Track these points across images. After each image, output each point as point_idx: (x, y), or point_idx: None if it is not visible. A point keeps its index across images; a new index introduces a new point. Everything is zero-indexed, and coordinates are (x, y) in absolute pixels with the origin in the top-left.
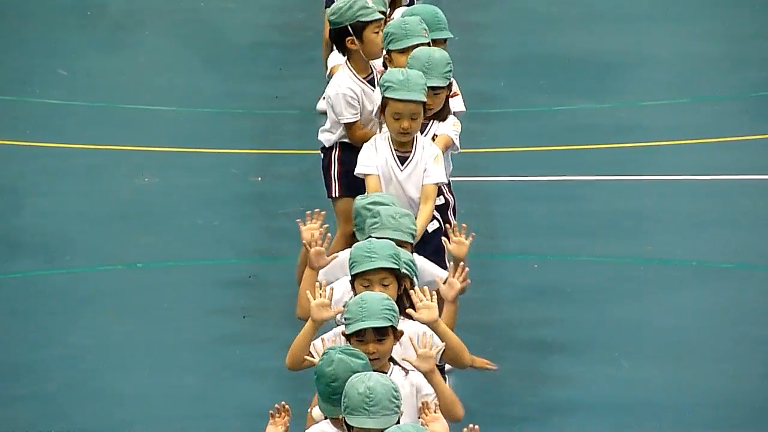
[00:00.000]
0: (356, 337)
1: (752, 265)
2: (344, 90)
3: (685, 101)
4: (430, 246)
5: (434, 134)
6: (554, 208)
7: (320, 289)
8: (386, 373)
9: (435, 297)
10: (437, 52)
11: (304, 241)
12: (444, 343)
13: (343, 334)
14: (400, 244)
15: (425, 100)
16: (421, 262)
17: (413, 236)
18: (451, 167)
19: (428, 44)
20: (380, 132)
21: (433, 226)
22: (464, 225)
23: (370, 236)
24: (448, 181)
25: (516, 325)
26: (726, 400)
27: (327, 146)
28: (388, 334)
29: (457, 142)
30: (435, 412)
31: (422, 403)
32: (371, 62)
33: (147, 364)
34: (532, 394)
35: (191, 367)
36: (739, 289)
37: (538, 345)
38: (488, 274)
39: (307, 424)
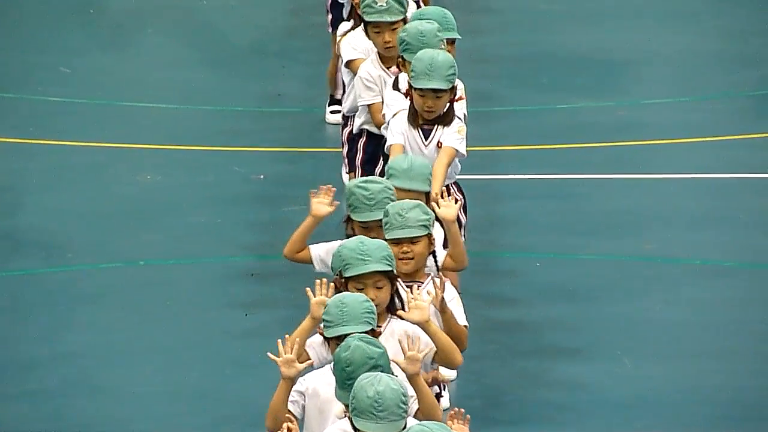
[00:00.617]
0: (337, 341)
1: (754, 263)
2: (362, 72)
3: (687, 99)
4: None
5: (438, 141)
6: (556, 206)
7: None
8: None
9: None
10: (441, 55)
11: (312, 213)
12: (432, 347)
13: (321, 334)
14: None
15: (428, 189)
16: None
17: (426, 227)
18: (459, 168)
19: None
20: None
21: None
22: (452, 191)
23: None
24: (456, 181)
25: (518, 324)
26: (729, 398)
27: (354, 132)
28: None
29: (462, 150)
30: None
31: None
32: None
33: (149, 361)
34: (535, 392)
35: (193, 364)
36: (742, 287)
37: (541, 343)
38: (490, 272)
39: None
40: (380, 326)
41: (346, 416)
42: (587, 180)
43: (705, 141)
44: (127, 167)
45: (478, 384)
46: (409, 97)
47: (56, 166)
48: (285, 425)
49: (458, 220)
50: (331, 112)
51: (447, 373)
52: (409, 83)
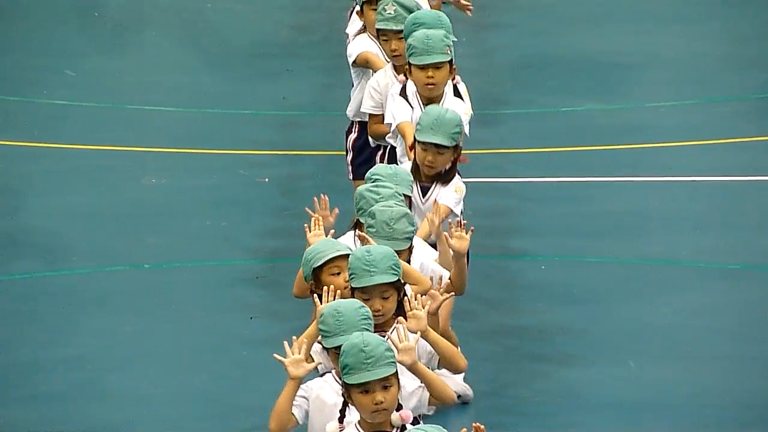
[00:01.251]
0: (337, 351)
1: (759, 265)
2: (372, 80)
3: (692, 102)
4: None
5: (435, 200)
6: (561, 208)
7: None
8: None
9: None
10: (449, 113)
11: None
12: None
13: (320, 342)
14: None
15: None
16: (423, 259)
17: (410, 239)
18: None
19: (451, 62)
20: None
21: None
22: (464, 221)
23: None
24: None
25: (523, 327)
26: (733, 401)
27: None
28: None
29: (456, 211)
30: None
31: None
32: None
33: (154, 364)
34: (539, 394)
35: (198, 368)
36: (746, 290)
37: (545, 346)
38: (495, 274)
39: None
40: (385, 331)
41: (340, 430)
42: (592, 183)
43: (710, 144)
44: (132, 170)
45: (483, 386)
46: (413, 151)
47: (61, 169)
48: None
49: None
50: None
51: (460, 389)
52: (414, 136)
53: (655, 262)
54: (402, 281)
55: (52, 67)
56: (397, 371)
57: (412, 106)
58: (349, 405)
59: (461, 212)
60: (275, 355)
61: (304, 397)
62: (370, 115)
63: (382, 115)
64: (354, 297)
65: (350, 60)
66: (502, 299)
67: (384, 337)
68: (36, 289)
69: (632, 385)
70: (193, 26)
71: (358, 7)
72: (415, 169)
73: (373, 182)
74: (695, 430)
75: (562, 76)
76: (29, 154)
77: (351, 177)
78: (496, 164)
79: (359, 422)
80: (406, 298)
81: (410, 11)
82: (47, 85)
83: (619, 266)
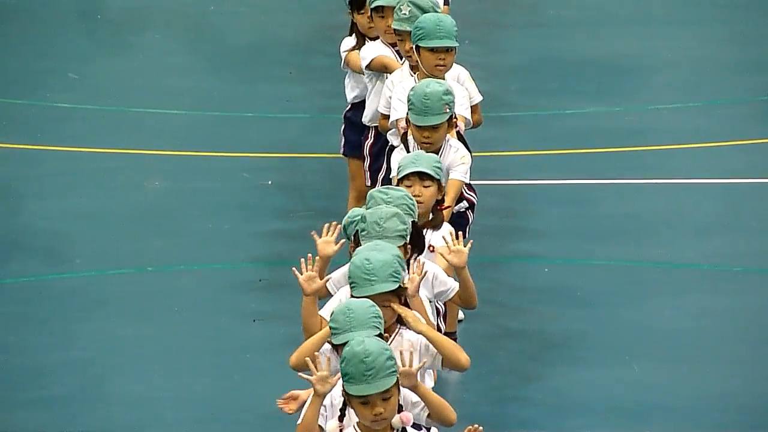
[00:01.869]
0: (345, 346)
1: (764, 268)
2: (387, 81)
3: (696, 105)
4: (456, 227)
5: (430, 245)
6: (565, 211)
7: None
8: None
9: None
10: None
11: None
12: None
13: (330, 343)
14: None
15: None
16: (435, 270)
17: (403, 237)
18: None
19: (451, 117)
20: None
21: (461, 207)
22: (461, 233)
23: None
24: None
25: (527, 328)
26: (737, 403)
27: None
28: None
29: (466, 179)
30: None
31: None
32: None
33: (157, 367)
34: (542, 397)
35: (201, 371)
36: (751, 293)
37: (549, 348)
38: (499, 277)
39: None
40: (388, 337)
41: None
42: (596, 185)
43: (715, 146)
44: (136, 173)
45: (486, 388)
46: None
47: (65, 172)
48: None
49: (465, 216)
50: None
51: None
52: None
53: (660, 265)
54: (402, 287)
55: (55, 70)
56: (398, 380)
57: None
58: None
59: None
60: (302, 375)
61: (324, 405)
62: (382, 114)
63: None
64: None
65: (363, 64)
66: (506, 302)
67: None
68: (39, 292)
69: (636, 387)
70: (196, 29)
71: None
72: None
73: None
74: None
75: (567, 79)
76: (33, 157)
77: (368, 183)
78: (500, 166)
79: (358, 423)
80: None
81: (425, 11)
82: (51, 88)
83: (624, 269)
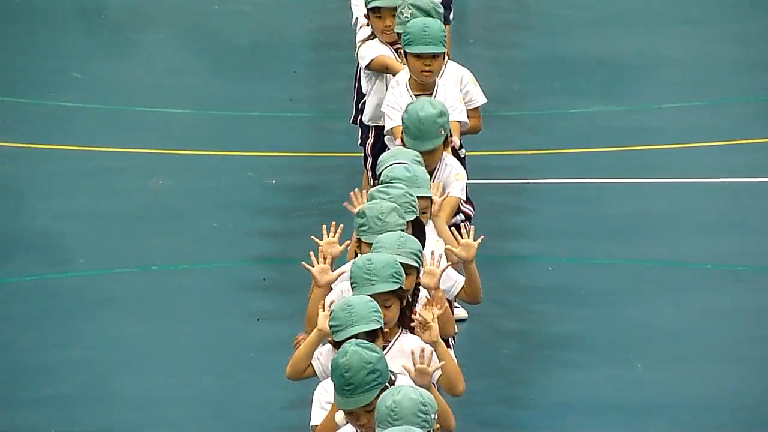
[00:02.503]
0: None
1: (767, 267)
2: (393, 81)
3: (700, 104)
4: None
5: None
6: (569, 210)
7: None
8: None
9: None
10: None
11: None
12: (443, 362)
13: (331, 342)
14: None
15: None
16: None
17: (403, 230)
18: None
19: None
20: None
21: (457, 220)
22: (472, 227)
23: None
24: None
25: (530, 328)
26: (741, 403)
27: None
28: (377, 336)
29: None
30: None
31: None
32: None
33: (161, 366)
34: (546, 396)
35: (205, 370)
36: (754, 292)
37: (553, 347)
38: (503, 276)
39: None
40: (389, 341)
41: (347, 422)
42: (600, 184)
43: (719, 145)
44: (140, 172)
45: (489, 388)
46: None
47: (68, 171)
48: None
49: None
50: None
51: (458, 313)
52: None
53: (664, 264)
54: (404, 289)
55: (59, 70)
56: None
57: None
58: None
59: (471, 213)
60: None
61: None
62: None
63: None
64: None
65: (363, 63)
66: (509, 301)
67: (387, 346)
68: (43, 291)
69: (639, 386)
70: (201, 28)
71: (362, 16)
72: None
73: (388, 181)
74: None
75: (571, 78)
76: (36, 156)
77: (371, 182)
78: (504, 165)
79: None
80: (418, 308)
81: (427, 13)
82: (54, 87)
83: (627, 268)
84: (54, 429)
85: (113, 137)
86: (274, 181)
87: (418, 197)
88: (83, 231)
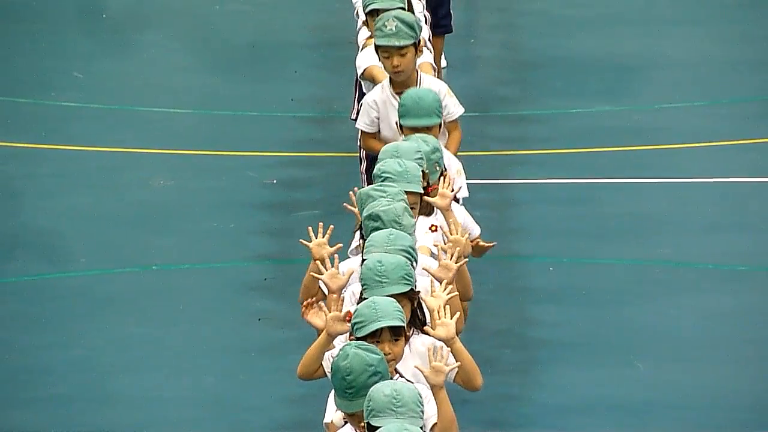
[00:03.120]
0: (371, 338)
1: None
2: (368, 98)
3: (702, 104)
4: None
5: (432, 225)
6: (570, 210)
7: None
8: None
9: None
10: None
11: (315, 257)
12: (458, 363)
13: (351, 339)
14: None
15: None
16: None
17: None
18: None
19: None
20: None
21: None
22: (452, 177)
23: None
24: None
25: (532, 328)
26: (743, 403)
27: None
28: (401, 334)
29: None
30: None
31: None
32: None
33: (162, 366)
34: (546, 396)
35: (207, 370)
36: (756, 292)
37: (554, 347)
38: (504, 276)
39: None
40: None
41: (345, 423)
42: (601, 184)
43: (721, 145)
44: (141, 172)
45: (489, 388)
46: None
47: (69, 171)
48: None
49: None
50: None
51: None
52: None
53: (664, 264)
54: (415, 291)
55: (60, 69)
56: None
57: None
58: None
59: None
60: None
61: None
62: (363, 131)
63: (377, 132)
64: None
65: (358, 72)
66: (509, 301)
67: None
68: (43, 291)
69: (640, 386)
70: (201, 28)
71: (363, 18)
72: None
73: (381, 180)
74: None
75: (571, 78)
76: (37, 156)
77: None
78: (504, 165)
79: None
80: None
81: (411, 27)
82: (55, 87)
83: (628, 268)
84: (54, 429)
85: (114, 137)
86: (274, 181)
87: (406, 192)
88: (83, 231)
